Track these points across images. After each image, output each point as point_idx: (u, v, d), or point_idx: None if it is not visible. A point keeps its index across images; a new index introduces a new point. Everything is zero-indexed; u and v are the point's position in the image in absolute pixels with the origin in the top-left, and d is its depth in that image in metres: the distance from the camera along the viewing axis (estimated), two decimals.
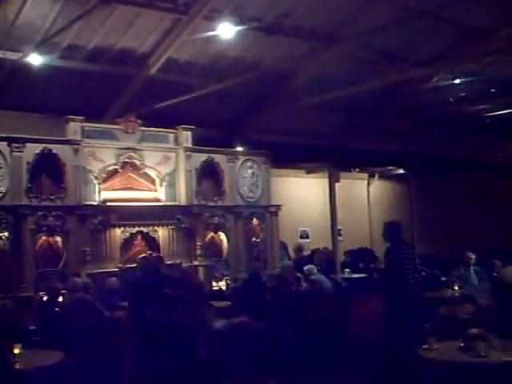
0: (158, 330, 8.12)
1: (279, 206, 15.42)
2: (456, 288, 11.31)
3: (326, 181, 18.97)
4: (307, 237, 20.47)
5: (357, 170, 21.38)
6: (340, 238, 19.38)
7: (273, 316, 9.43)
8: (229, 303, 10.65)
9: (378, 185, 23.29)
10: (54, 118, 13.17)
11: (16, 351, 6.96)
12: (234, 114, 16.45)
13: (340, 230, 19.47)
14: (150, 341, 8.35)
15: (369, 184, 23.19)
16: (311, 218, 20.15)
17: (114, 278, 11.42)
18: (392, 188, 23.42)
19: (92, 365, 7.92)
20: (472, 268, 12.03)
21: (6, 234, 11.54)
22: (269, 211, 15.17)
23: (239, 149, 15.34)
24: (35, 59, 11.68)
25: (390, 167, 22.09)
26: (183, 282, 9.76)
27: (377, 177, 22.95)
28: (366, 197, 23.08)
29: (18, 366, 6.68)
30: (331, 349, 9.65)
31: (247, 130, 16.43)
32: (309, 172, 20.54)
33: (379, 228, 10.48)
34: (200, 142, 14.25)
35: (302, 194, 20.15)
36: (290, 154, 17.07)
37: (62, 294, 10.33)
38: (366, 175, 22.90)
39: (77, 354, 7.82)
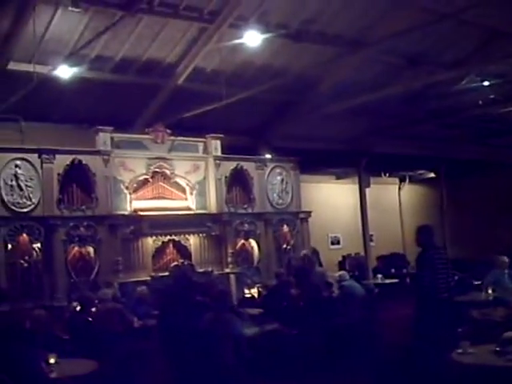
0: (186, 336, 8.14)
1: (309, 212, 15.40)
2: (490, 292, 11.18)
3: (356, 186, 18.93)
4: (338, 243, 20.45)
5: (387, 175, 21.27)
6: (372, 244, 19.32)
7: (305, 322, 9.41)
8: (261, 310, 10.65)
9: (408, 189, 23.19)
10: (84, 129, 13.34)
11: (51, 361, 7.02)
12: (261, 121, 16.47)
13: (372, 235, 19.41)
14: (179, 348, 8.38)
15: (400, 189, 23.11)
16: (342, 223, 20.11)
17: (144, 287, 11.46)
18: (423, 192, 23.28)
19: (124, 373, 7.95)
20: (506, 272, 11.87)
21: (39, 244, 11.69)
22: (299, 217, 15.15)
23: (268, 156, 15.34)
24: (64, 72, 11.78)
25: (421, 171, 21.97)
26: (209, 289, 9.76)
27: (407, 181, 22.84)
28: (397, 201, 23.00)
29: (53, 375, 6.72)
30: (361, 354, 9.58)
31: (274, 137, 16.43)
32: (338, 178, 20.52)
33: (411, 233, 10.39)
34: (228, 150, 14.31)
35: (333, 200, 20.12)
36: (318, 160, 17.08)
37: (95, 304, 10.40)
38: (396, 180, 22.80)
39: (109, 363, 7.85)
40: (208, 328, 7.71)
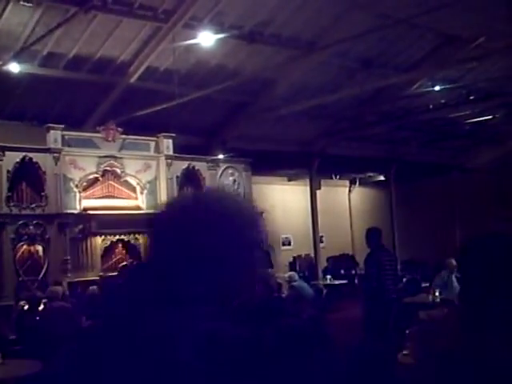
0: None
1: (261, 212, 15.38)
2: (437, 294, 11.33)
3: (308, 188, 19.03)
4: (289, 244, 20.53)
5: (338, 177, 21.46)
6: (322, 245, 19.44)
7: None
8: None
9: (359, 192, 23.41)
10: (34, 127, 13.18)
11: None
12: (215, 121, 16.46)
13: (322, 236, 19.53)
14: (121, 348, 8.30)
15: (350, 191, 23.32)
16: (293, 225, 20.19)
17: (95, 287, 11.35)
18: (373, 194, 23.50)
19: (69, 374, 7.85)
20: (454, 274, 12.05)
21: None
22: None
23: (220, 156, 15.35)
24: (14, 67, 11.64)
25: (371, 174, 22.19)
26: None
27: (358, 184, 23.05)
28: (347, 204, 23.20)
29: None
30: (311, 355, 9.62)
31: (227, 137, 16.43)
32: (290, 179, 20.62)
33: (360, 234, 10.52)
34: (181, 150, 14.29)
35: (284, 202, 20.19)
36: (270, 162, 17.13)
37: (43, 303, 10.27)
38: (347, 182, 23.00)
39: (54, 362, 7.76)
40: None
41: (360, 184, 23.13)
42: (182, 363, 1.57)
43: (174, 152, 14.08)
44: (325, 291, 13.76)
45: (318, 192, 19.12)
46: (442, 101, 16.82)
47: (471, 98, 16.00)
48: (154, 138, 13.96)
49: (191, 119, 15.35)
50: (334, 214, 21.35)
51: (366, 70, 15.21)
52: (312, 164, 18.41)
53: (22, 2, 10.97)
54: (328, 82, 15.39)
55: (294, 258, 19.61)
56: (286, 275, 11.87)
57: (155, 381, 1.62)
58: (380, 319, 8.95)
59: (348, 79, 15.35)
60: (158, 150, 13.96)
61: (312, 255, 18.95)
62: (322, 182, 19.81)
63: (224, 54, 13.89)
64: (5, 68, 11.79)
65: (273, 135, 16.90)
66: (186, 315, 1.48)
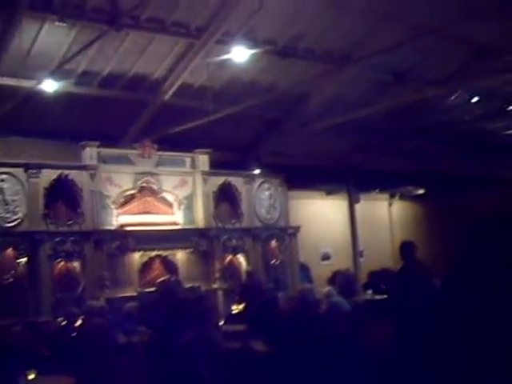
0: (170, 354, 8.02)
1: (298, 227, 15.34)
2: None
3: (346, 202, 18.92)
4: (328, 258, 20.33)
5: (377, 190, 21.26)
6: (362, 259, 19.25)
7: (289, 339, 9.29)
8: (245, 326, 10.54)
9: (399, 205, 23.14)
10: (70, 145, 13.24)
11: (30, 377, 6.94)
12: (249, 137, 16.50)
13: (362, 251, 19.36)
14: (163, 365, 8.26)
15: (390, 205, 23.06)
16: (332, 239, 20.04)
17: (133, 303, 11.35)
18: (413, 208, 23.20)
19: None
20: None
21: (24, 259, 11.59)
22: (287, 233, 15.09)
23: (256, 171, 15.31)
24: (50, 86, 11.78)
25: (410, 187, 21.94)
26: (193, 305, 9.65)
27: (397, 197, 22.80)
28: (387, 217, 22.94)
29: None
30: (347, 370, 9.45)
31: (262, 153, 16.43)
32: (328, 194, 20.47)
33: None
34: (216, 166, 14.28)
35: (323, 216, 20.05)
36: (307, 176, 17.03)
37: (80, 319, 10.30)
38: (386, 196, 22.77)
39: (89, 379, 7.74)
40: (189, 345, 7.61)
41: (400, 197, 22.87)
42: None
43: (210, 168, 14.05)
44: (364, 307, 13.53)
45: (357, 206, 19.00)
46: (479, 112, 16.62)
47: (509, 109, 15.78)
48: (190, 154, 13.94)
49: (226, 135, 15.38)
50: (374, 228, 21.14)
51: (400, 83, 15.07)
52: (349, 178, 18.27)
53: (57, 23, 11.11)
54: (362, 96, 15.26)
55: (333, 273, 19.39)
56: (324, 290, 11.73)
57: None
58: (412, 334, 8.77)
59: (382, 92, 15.19)
60: (193, 165, 13.93)
61: (352, 270, 18.72)
62: (362, 195, 19.64)
63: (257, 69, 13.89)
64: (40, 87, 11.93)
65: (308, 150, 16.86)
66: None
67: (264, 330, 9.64)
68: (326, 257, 20.34)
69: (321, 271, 18.52)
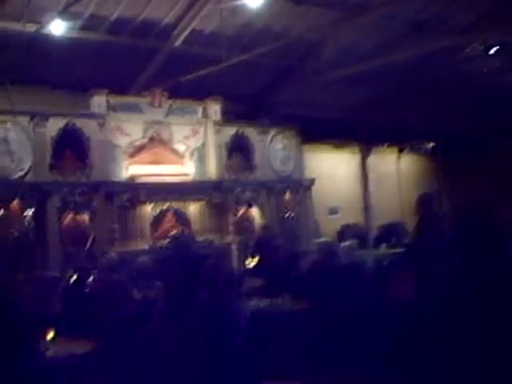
0: (187, 314, 7.56)
1: (313, 179, 14.88)
2: None
3: (355, 156, 18.49)
4: (336, 212, 19.88)
5: (386, 145, 20.75)
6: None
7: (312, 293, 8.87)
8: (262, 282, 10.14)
9: (408, 160, 22.65)
10: (77, 94, 12.70)
11: (49, 336, 6.49)
12: (261, 86, 15.85)
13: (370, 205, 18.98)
14: (182, 326, 7.80)
15: (398, 159, 22.56)
16: (340, 193, 19.56)
17: (145, 258, 10.92)
18: (422, 164, 22.75)
19: (125, 351, 7.35)
20: None
21: (31, 212, 11.08)
22: (302, 185, 14.60)
23: (269, 122, 14.75)
24: (57, 28, 11.14)
25: (419, 142, 21.45)
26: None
27: (406, 151, 22.31)
28: (395, 172, 22.45)
29: (49, 353, 6.18)
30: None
31: (274, 103, 15.82)
32: (337, 147, 19.95)
33: (409, 203, 10.00)
34: (227, 116, 13.71)
35: (331, 170, 19.56)
36: (317, 129, 16.48)
37: (92, 275, 9.89)
38: (395, 150, 22.27)
39: (109, 341, 7.29)
40: (206, 306, 7.15)
41: (409, 152, 22.37)
42: None
43: (222, 118, 13.48)
44: (384, 260, 13.14)
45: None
46: (497, 65, 16.03)
47: None
48: (202, 103, 13.36)
49: (237, 84, 14.77)
50: (381, 183, 20.68)
51: (417, 34, 14.45)
52: (360, 131, 17.74)
53: None
54: (377, 46, 14.65)
55: (341, 226, 19.02)
56: (345, 244, 11.25)
57: None
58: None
59: (397, 43, 14.57)
60: (205, 114, 13.38)
61: (360, 224, 18.34)
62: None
63: (271, 15, 13.24)
64: (45, 31, 11.34)
65: (320, 101, 16.27)
66: None
67: (288, 285, 9.24)
68: (333, 211, 19.89)
69: (328, 225, 18.12)
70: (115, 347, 7.23)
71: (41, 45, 11.81)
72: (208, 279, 7.44)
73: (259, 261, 12.58)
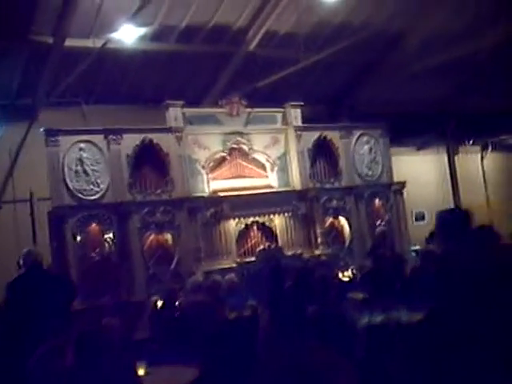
0: (294, 328, 6.80)
1: (403, 182, 13.95)
2: None
3: (438, 157, 17.51)
4: (423, 218, 18.91)
5: (470, 142, 19.66)
6: None
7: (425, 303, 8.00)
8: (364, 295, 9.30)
9: (492, 158, 21.50)
10: (150, 107, 12.18)
11: (141, 372, 5.81)
12: (340, 86, 15.15)
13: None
14: (288, 342, 7.04)
15: (482, 158, 21.43)
16: (426, 198, 18.60)
17: (232, 275, 10.25)
18: (507, 160, 21.58)
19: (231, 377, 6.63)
20: None
21: (111, 234, 10.54)
22: (392, 190, 13.69)
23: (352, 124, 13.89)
24: (128, 34, 10.65)
25: (504, 137, 20.30)
26: (307, 275, 8.44)
27: (490, 149, 21.15)
28: (480, 172, 21.33)
29: None
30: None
31: (355, 103, 15.02)
32: (419, 149, 19.01)
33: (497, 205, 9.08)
34: (307, 121, 12.91)
35: (415, 173, 18.61)
36: (403, 128, 15.53)
37: (180, 297, 9.26)
38: (478, 148, 21.15)
39: (211, 367, 6.58)
40: (317, 319, 6.39)
41: (493, 149, 21.21)
42: None
43: (303, 123, 12.71)
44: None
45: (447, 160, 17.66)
46: None
47: None
48: (281, 109, 12.59)
49: (315, 86, 14.16)
50: (466, 184, 19.62)
51: (508, 15, 13.43)
52: (448, 126, 16.73)
53: None
54: (464, 31, 13.56)
55: (430, 233, 18.00)
56: None
57: None
58: None
59: (486, 27, 13.56)
60: (285, 121, 12.58)
61: None
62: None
63: (348, 9, 12.55)
64: (115, 46, 10.89)
65: (403, 97, 15.31)
66: None
67: (398, 295, 8.38)
68: (419, 217, 18.92)
69: (414, 232, 17.18)
70: (221, 374, 6.54)
71: (110, 60, 11.44)
72: (319, 292, 6.76)
73: (353, 274, 11.79)
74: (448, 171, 17.74)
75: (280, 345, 6.97)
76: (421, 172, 18.90)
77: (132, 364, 5.57)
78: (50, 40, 10.97)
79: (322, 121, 13.32)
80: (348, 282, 11.63)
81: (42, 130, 10.45)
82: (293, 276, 8.67)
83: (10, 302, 8.05)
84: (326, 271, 9.75)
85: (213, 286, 9.08)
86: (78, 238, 10.29)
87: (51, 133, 10.35)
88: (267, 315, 7.87)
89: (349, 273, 12.03)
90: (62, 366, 5.24)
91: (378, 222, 13.23)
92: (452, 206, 17.14)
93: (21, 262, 8.46)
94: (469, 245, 5.84)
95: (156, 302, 9.84)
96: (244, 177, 12.05)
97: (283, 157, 12.46)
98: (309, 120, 12.88)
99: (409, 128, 15.89)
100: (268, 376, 6.45)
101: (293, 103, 12.53)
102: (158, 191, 11.03)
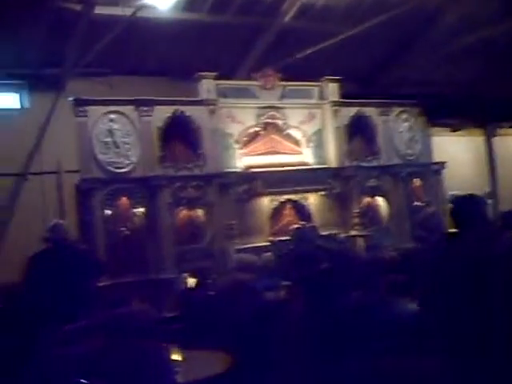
0: (333, 316, 6.36)
1: (443, 163, 13.49)
2: None
3: (475, 139, 17.08)
4: None
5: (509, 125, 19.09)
6: (489, 201, 17.33)
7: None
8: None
9: None
10: (181, 80, 11.71)
11: (175, 357, 5.42)
12: (375, 62, 14.58)
13: (490, 192, 17.45)
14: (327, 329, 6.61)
15: None
16: (460, 180, 18.08)
17: (268, 254, 9.89)
18: None
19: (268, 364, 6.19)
20: None
21: (142, 209, 10.18)
22: (431, 170, 13.21)
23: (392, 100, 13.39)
24: (155, 11, 10.27)
25: None
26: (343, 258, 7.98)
27: None
28: None
29: (180, 380, 5.13)
30: None
31: (390, 80, 14.47)
32: (455, 130, 18.49)
33: None
34: (342, 96, 12.45)
35: (450, 155, 18.13)
36: (437, 108, 15.05)
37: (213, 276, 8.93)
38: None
39: (247, 351, 6.16)
40: (360, 309, 5.93)
41: None
42: None
43: (340, 98, 12.23)
44: None
45: (481, 142, 17.14)
46: None
47: None
48: (318, 84, 12.12)
49: (349, 62, 13.53)
50: (505, 166, 19.10)
51: None
52: (484, 109, 16.19)
53: None
54: (505, 9, 13.08)
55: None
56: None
57: None
58: None
59: None
60: (322, 96, 12.11)
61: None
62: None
63: None
64: (144, 15, 10.47)
65: (440, 77, 14.79)
66: None
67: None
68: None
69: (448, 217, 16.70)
70: (257, 361, 6.11)
71: (141, 29, 11.01)
72: (364, 278, 6.30)
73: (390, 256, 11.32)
74: (485, 154, 17.05)
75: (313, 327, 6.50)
76: (456, 154, 18.39)
77: (164, 348, 5.19)
78: (78, 7, 10.53)
79: (354, 97, 12.79)
80: (387, 264, 11.21)
81: (70, 99, 10.08)
82: (330, 257, 8.24)
83: (32, 277, 7.66)
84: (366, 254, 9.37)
85: (249, 265, 8.67)
86: (107, 212, 9.94)
87: (80, 102, 9.97)
88: (302, 299, 7.41)
89: (387, 254, 11.61)
90: (90, 348, 4.89)
91: (417, 203, 12.76)
92: (488, 189, 16.71)
93: (47, 235, 8.13)
94: (481, 232, 5.39)
95: (186, 279, 9.53)
96: (278, 153, 11.60)
97: (319, 133, 12.00)
98: (342, 96, 12.43)
99: (444, 109, 15.41)
100: (302, 361, 6.04)
101: (330, 77, 12.07)
102: (190, 165, 10.63)
